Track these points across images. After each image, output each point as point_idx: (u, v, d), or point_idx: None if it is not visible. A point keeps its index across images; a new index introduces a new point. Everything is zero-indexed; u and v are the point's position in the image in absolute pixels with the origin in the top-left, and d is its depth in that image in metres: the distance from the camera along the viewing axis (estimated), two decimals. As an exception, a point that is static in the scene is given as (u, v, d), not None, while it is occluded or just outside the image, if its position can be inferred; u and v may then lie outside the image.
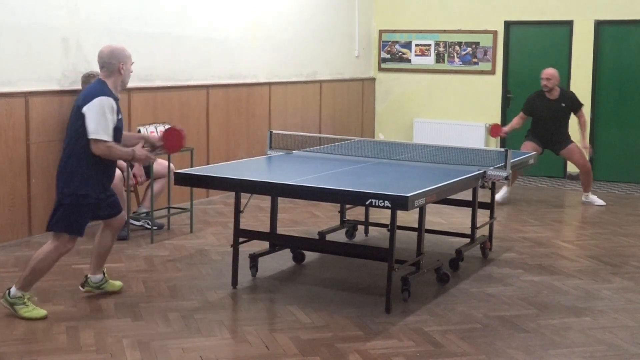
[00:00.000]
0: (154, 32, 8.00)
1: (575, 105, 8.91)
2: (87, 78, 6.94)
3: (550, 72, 8.84)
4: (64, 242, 4.93)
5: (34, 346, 4.45)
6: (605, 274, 6.17)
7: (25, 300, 4.89)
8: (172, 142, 5.31)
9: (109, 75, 4.96)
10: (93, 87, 4.92)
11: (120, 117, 4.94)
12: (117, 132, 4.90)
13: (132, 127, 7.48)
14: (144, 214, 7.23)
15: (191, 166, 7.12)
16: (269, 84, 9.67)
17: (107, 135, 4.78)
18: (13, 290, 4.90)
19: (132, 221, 7.16)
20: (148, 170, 7.01)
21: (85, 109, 4.76)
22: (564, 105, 8.85)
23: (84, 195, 4.87)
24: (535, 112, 8.93)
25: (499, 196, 8.72)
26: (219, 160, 8.23)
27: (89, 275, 5.35)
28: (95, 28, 7.34)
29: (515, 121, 9.15)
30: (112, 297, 5.26)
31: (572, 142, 8.97)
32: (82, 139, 4.79)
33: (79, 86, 7.02)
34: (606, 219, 8.22)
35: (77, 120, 4.82)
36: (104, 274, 5.37)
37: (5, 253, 6.35)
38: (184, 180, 5.56)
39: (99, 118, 4.75)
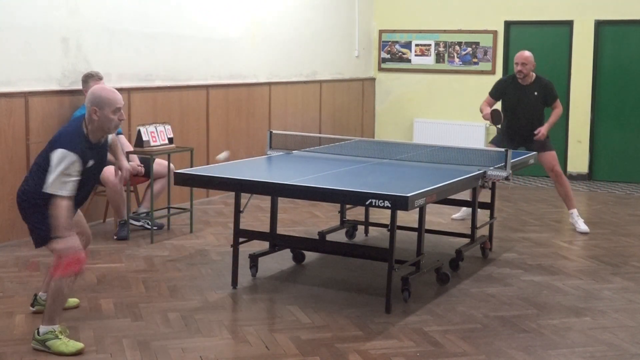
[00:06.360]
0: (154, 32, 8.00)
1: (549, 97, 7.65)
2: (87, 78, 6.95)
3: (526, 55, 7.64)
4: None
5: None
6: (605, 274, 6.16)
7: None
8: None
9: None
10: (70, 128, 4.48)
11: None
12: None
13: (132, 127, 7.48)
14: (144, 214, 7.23)
15: (191, 166, 7.12)
16: (269, 84, 9.67)
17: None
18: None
19: (132, 221, 7.15)
20: (148, 170, 6.99)
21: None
22: (536, 93, 7.59)
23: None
24: (506, 98, 7.65)
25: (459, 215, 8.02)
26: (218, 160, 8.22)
27: (39, 294, 4.94)
28: (95, 28, 7.33)
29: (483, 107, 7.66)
30: (112, 297, 5.26)
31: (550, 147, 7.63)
32: None
33: (79, 86, 7.02)
34: (606, 219, 8.21)
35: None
36: None
37: (5, 253, 6.35)
38: (184, 180, 5.56)
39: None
